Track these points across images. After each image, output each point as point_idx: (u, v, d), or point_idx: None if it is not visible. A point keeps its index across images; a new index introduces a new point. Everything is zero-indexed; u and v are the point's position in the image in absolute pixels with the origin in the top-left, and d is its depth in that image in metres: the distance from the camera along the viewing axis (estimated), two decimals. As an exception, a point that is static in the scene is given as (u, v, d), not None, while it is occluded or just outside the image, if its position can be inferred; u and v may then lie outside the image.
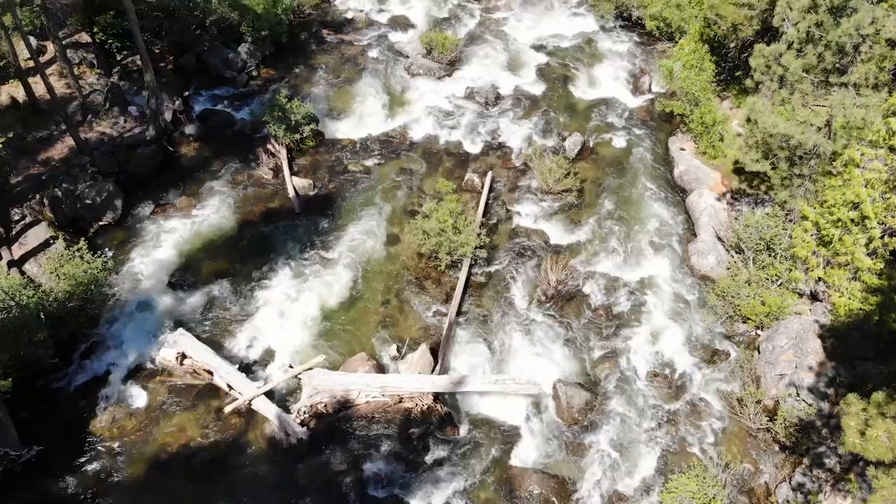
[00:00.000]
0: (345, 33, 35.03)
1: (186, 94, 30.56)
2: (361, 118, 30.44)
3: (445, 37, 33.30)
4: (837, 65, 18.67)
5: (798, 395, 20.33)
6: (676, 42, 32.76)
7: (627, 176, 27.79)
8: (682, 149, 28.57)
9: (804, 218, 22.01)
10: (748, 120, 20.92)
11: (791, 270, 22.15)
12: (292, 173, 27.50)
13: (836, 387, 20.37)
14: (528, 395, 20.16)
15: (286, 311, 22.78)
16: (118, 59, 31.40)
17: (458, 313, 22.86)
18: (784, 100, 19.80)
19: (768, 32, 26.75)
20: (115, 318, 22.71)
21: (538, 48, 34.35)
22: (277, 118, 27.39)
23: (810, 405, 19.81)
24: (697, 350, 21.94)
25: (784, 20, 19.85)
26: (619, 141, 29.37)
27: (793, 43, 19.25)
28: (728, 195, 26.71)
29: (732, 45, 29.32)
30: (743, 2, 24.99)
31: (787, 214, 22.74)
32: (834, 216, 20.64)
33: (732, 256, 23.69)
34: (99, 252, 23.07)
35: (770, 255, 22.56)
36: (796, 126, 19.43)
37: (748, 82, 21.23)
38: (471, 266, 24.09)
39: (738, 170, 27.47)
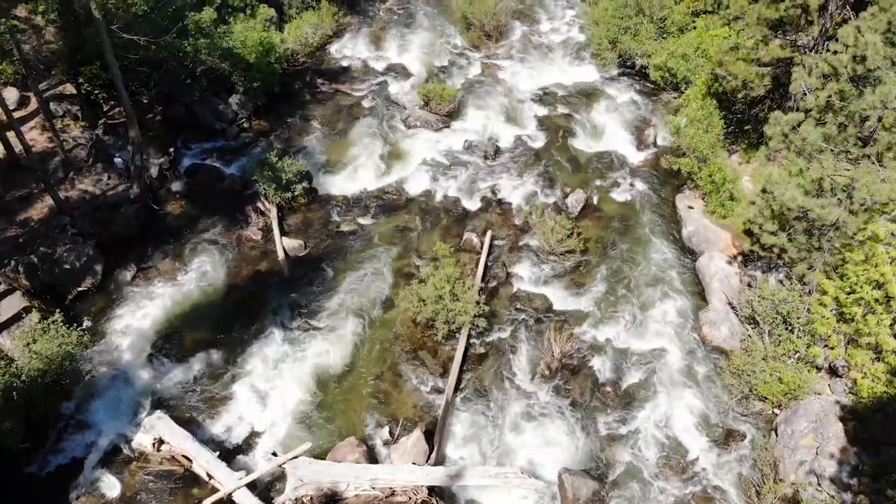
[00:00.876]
0: (340, 83, 34.06)
1: (172, 150, 29.36)
2: (356, 172, 29.31)
3: (444, 87, 32.32)
4: (860, 135, 17.52)
5: (819, 484, 18.92)
6: (682, 92, 31.83)
7: (633, 235, 26.57)
8: (691, 207, 27.39)
9: (823, 292, 20.79)
10: (763, 191, 19.74)
11: (810, 346, 20.84)
12: (282, 233, 26.27)
13: (859, 475, 18.99)
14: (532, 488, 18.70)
15: (272, 388, 21.37)
16: (105, 109, 30.38)
17: (456, 389, 21.46)
18: (802, 170, 18.61)
19: (780, 89, 25.78)
20: (90, 394, 21.28)
21: (539, 98, 33.37)
22: (268, 177, 26.24)
23: (832, 497, 18.40)
24: (711, 431, 20.50)
25: (802, 87, 18.75)
26: (624, 197, 28.22)
27: (811, 111, 18.13)
28: (739, 258, 25.47)
29: (741, 97, 28.27)
30: (754, 58, 23.96)
31: (803, 286, 21.44)
32: (857, 294, 19.42)
33: (747, 329, 22.35)
34: (75, 324, 21.70)
35: (787, 329, 21.25)
36: (816, 199, 18.23)
37: (763, 151, 20.07)
38: (469, 336, 22.75)
39: (750, 230, 26.32)
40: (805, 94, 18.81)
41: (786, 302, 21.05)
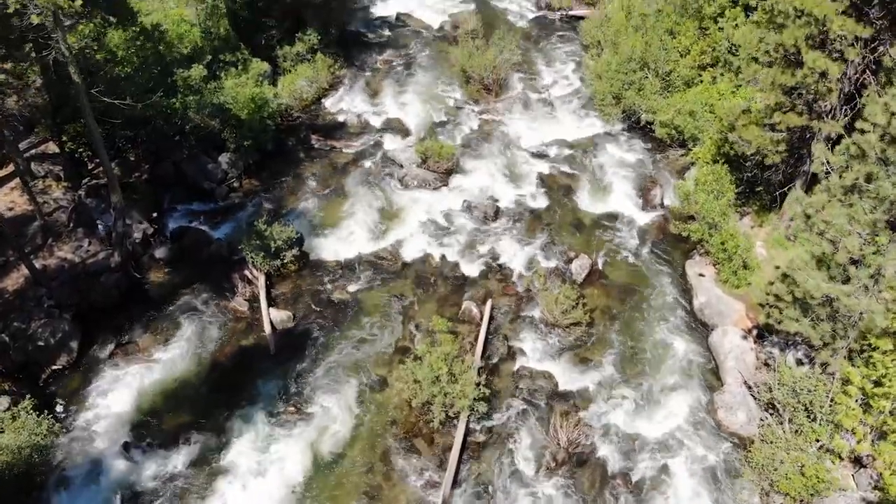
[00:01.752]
0: (336, 139, 32.95)
1: (157, 215, 28.10)
2: (350, 235, 28.01)
3: (442, 145, 31.18)
4: (890, 219, 16.22)
5: None
6: (689, 150, 30.68)
7: (642, 306, 25.17)
8: (701, 274, 26.02)
9: (847, 381, 19.35)
10: (784, 276, 18.39)
11: (833, 437, 19.33)
12: (270, 304, 24.87)
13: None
14: None
15: (256, 481, 19.78)
16: (89, 168, 29.21)
17: (454, 483, 19.86)
18: (826, 255, 17.28)
19: (796, 154, 24.60)
20: (61, 488, 19.73)
21: (540, 154, 32.21)
22: (255, 246, 24.93)
23: None
24: (731, 533, 18.90)
25: (825, 166, 17.51)
26: (631, 263, 26.89)
27: (836, 193, 16.85)
28: (754, 331, 24.03)
29: (753, 157, 27.08)
30: (768, 123, 22.81)
31: (826, 373, 19.96)
32: (885, 388, 17.98)
33: (766, 416, 20.81)
34: (46, 411, 20.22)
35: (808, 418, 19.73)
36: (842, 286, 16.86)
37: (782, 232, 18.77)
38: (468, 421, 21.21)
39: (768, 310, 24.93)
40: (828, 172, 17.54)
41: (807, 391, 19.57)
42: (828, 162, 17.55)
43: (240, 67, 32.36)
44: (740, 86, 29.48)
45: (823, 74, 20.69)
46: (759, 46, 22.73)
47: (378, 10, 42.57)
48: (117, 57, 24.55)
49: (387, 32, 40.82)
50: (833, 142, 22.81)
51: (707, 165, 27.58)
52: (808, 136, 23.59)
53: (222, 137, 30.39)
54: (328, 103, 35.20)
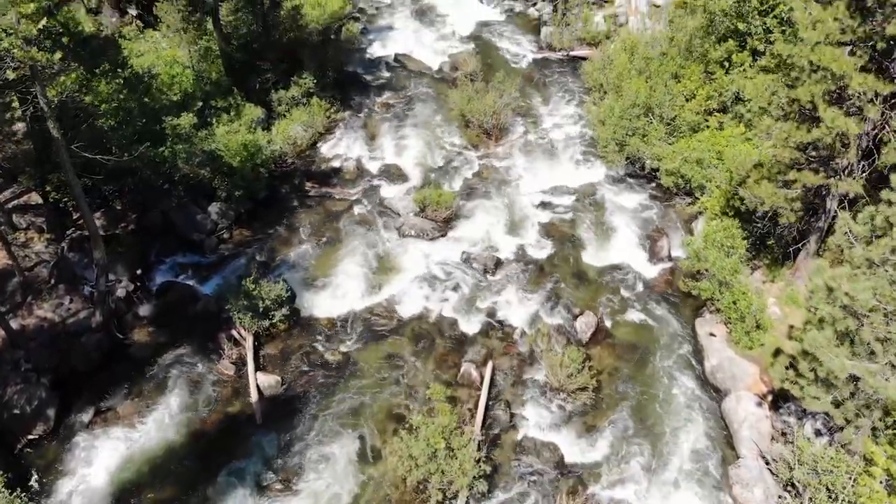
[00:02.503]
0: (331, 185, 31.92)
1: (141, 269, 26.96)
2: (343, 289, 26.82)
3: (440, 193, 30.15)
4: (919, 296, 15.04)
5: None
6: (696, 198, 29.61)
7: (650, 368, 23.89)
8: (712, 334, 24.76)
9: (871, 461, 18.03)
10: (805, 353, 17.15)
11: (860, 522, 17.97)
12: (258, 367, 23.62)
13: None
14: None
15: (238, 569, 18.42)
16: (74, 218, 28.15)
17: (452, 571, 18.49)
18: (850, 333, 16.06)
19: (809, 209, 23.48)
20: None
21: (542, 203, 31.12)
22: (243, 306, 23.75)
23: None
24: None
25: (848, 237, 16.37)
26: (638, 321, 25.65)
27: (860, 265, 15.70)
28: (769, 397, 22.74)
29: (764, 209, 25.98)
30: (782, 180, 21.72)
31: (849, 453, 18.63)
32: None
33: (784, 494, 19.43)
34: (19, 489, 18.86)
35: (830, 498, 18.35)
36: (868, 365, 15.63)
37: (796, 289, 17.55)
38: (468, 502, 19.82)
39: (786, 382, 23.69)
40: (852, 243, 16.40)
41: (828, 472, 18.23)
42: (851, 231, 16.40)
43: (232, 113, 31.46)
44: (749, 137, 28.52)
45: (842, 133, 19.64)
46: (771, 99, 21.73)
47: (376, 51, 41.82)
48: (100, 110, 23.52)
49: (385, 73, 40.03)
50: (849, 200, 21.75)
51: (716, 219, 26.47)
52: (823, 191, 22.49)
53: (213, 186, 29.39)
54: (324, 148, 34.22)
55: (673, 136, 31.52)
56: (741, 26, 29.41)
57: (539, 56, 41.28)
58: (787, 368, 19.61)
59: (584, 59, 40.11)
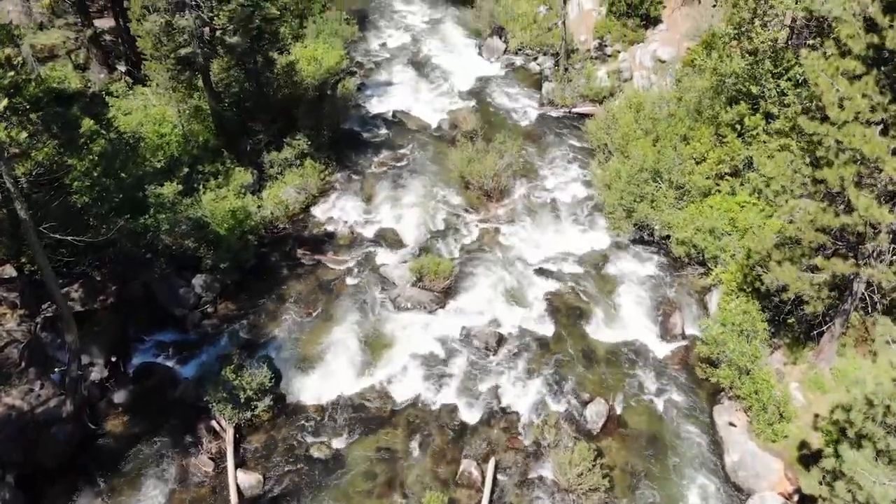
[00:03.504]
0: (323, 252, 30.28)
1: (119, 350, 25.18)
2: (334, 371, 25.01)
3: (438, 262, 28.53)
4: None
5: None
6: (709, 268, 27.95)
7: (667, 464, 21.95)
8: (732, 424, 22.84)
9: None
10: (838, 473, 15.29)
11: None
12: (239, 463, 21.65)
13: None
14: None
15: None
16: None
17: None
18: (892, 452, 14.25)
19: (839, 294, 21.78)
20: None
21: (545, 272, 29.45)
22: (223, 397, 21.91)
23: None
24: None
25: (888, 341, 14.66)
26: (652, 408, 23.79)
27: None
28: (796, 496, 20.79)
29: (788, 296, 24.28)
30: (808, 264, 20.07)
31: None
32: None
33: None
34: None
35: None
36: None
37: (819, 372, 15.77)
38: None
39: (804, 457, 21.80)
40: (890, 343, 14.68)
41: None
42: (893, 340, 14.69)
43: (221, 177, 29.99)
44: (764, 208, 27.01)
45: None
46: (794, 177, 20.22)
47: (374, 107, 40.56)
48: (73, 187, 22.01)
49: (383, 131, 38.72)
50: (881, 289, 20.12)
51: (733, 295, 24.77)
52: (850, 274, 20.81)
53: (198, 255, 27.76)
54: (318, 211, 32.67)
55: (682, 199, 30.03)
56: (754, 89, 28.11)
57: (541, 112, 40.03)
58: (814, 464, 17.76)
59: (587, 116, 38.91)
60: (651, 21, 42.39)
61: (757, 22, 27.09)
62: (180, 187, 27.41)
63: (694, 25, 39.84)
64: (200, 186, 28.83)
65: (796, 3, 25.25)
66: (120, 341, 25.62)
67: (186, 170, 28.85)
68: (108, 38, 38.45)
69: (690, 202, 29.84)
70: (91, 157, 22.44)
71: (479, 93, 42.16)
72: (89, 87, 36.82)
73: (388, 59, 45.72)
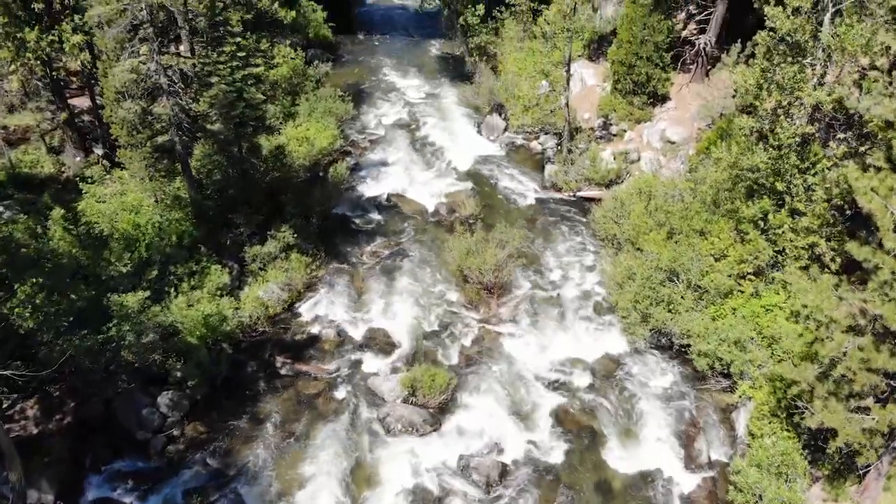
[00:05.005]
0: (306, 360, 27.41)
1: (75, 478, 22.16)
2: (312, 510, 21.91)
3: (433, 374, 25.66)
4: None
5: None
6: (735, 383, 25.09)
7: None
8: (774, 582, 19.67)
9: None
10: None
11: None
12: None
13: None
14: None
15: None
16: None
17: None
18: None
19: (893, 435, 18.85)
20: None
21: (553, 381, 26.58)
22: (179, 559, 18.81)
23: None
24: None
25: None
26: (679, 558, 20.60)
27: None
28: None
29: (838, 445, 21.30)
30: (859, 405, 17.23)
31: None
32: None
33: None
34: None
35: None
36: None
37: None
38: None
39: None
40: None
41: None
42: None
43: (196, 278, 27.37)
44: (789, 315, 24.35)
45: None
46: (840, 306, 17.55)
47: (367, 190, 38.31)
48: (13, 314, 19.39)
49: (376, 216, 36.34)
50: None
51: (766, 424, 21.85)
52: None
53: (165, 368, 24.92)
54: (302, 309, 29.92)
55: (701, 299, 27.37)
56: (779, 186, 25.71)
57: (543, 196, 37.81)
58: None
59: (593, 200, 36.64)
60: (658, 98, 40.51)
61: (781, 113, 24.84)
62: (147, 293, 24.77)
63: (704, 104, 37.98)
64: (171, 290, 26.19)
65: (828, 96, 23.06)
66: (73, 473, 22.54)
67: (155, 273, 26.21)
68: (85, 118, 36.45)
69: (710, 304, 27.20)
70: (35, 280, 19.78)
71: (479, 173, 40.04)
72: (63, 172, 34.72)
73: (384, 136, 43.78)
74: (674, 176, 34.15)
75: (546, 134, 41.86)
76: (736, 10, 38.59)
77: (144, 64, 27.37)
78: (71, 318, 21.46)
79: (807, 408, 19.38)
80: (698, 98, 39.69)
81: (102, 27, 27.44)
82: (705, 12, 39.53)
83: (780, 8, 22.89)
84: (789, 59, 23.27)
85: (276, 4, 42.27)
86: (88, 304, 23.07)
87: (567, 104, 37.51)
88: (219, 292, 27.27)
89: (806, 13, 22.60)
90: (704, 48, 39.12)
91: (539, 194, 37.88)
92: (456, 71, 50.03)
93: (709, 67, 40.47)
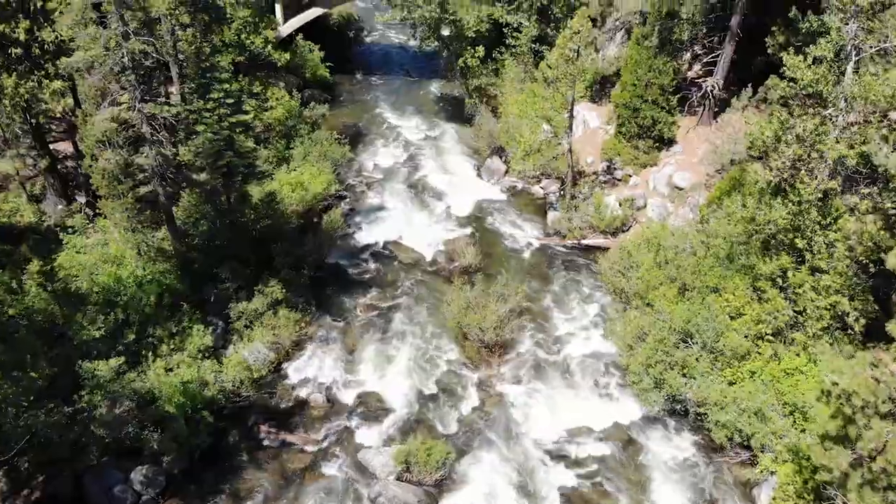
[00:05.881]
0: (292, 429, 25.47)
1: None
2: None
3: (429, 447, 23.71)
4: None
5: None
6: (756, 456, 23.18)
7: None
8: None
9: None
10: None
11: None
12: None
13: None
14: None
15: None
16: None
17: None
18: None
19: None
20: None
21: (561, 456, 24.63)
22: None
23: None
24: None
25: None
26: None
27: None
28: None
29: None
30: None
31: None
32: None
33: None
34: None
35: None
36: None
37: None
38: None
39: None
40: None
41: None
42: None
43: (176, 339, 25.63)
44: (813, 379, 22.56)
45: None
46: (879, 391, 15.75)
47: (363, 237, 36.66)
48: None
49: (371, 266, 34.67)
50: None
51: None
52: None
53: (140, 440, 23.03)
54: (290, 370, 28.06)
55: (717, 361, 25.57)
56: (799, 243, 24.06)
57: (546, 244, 36.13)
58: None
59: (598, 249, 35.03)
60: (665, 142, 39.10)
61: (800, 167, 23.31)
62: (122, 360, 23.02)
63: (712, 149, 36.57)
64: (149, 353, 24.43)
65: (851, 150, 21.54)
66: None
67: (132, 337, 24.48)
68: (69, 163, 35.01)
69: (726, 365, 25.40)
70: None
71: (478, 219, 38.46)
72: (44, 221, 33.13)
73: (381, 180, 42.26)
74: (683, 225, 32.54)
75: (548, 178, 40.38)
76: (743, 51, 37.41)
77: (126, 112, 26.01)
78: (31, 398, 19.64)
79: (838, 495, 17.44)
80: (706, 142, 38.27)
81: (83, 74, 26.11)
82: (712, 54, 38.33)
83: (801, 57, 21.48)
84: (810, 110, 21.79)
85: (269, 47, 41.10)
86: (57, 372, 21.27)
87: (570, 150, 36.07)
88: (200, 355, 25.48)
89: (828, 62, 21.18)
90: (712, 91, 37.82)
91: (542, 242, 36.23)
92: (455, 112, 48.72)
93: (716, 110, 39.16)
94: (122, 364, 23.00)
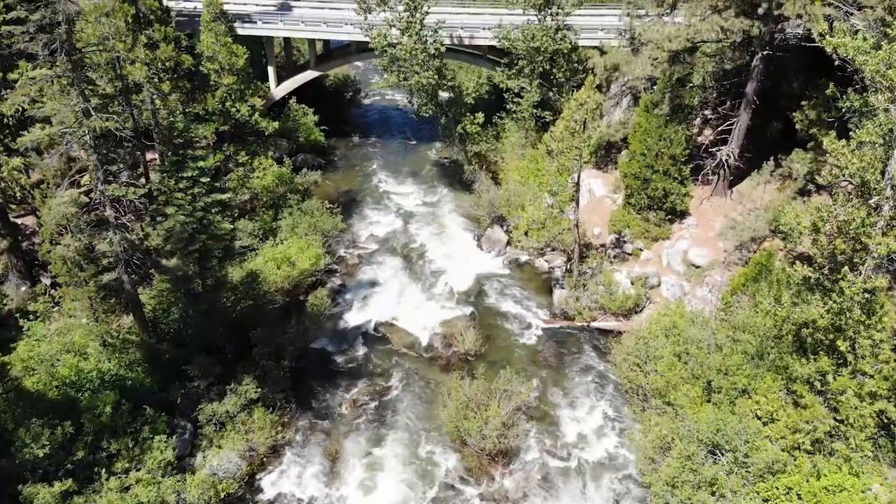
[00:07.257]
0: (263, 560, 22.26)
1: None
2: None
3: (421, 586, 20.43)
4: None
5: None
6: None
7: None
8: None
9: None
10: None
11: None
12: None
13: None
14: None
15: None
16: None
17: None
18: None
19: None
20: None
21: (572, 592, 21.32)
22: None
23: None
24: None
25: None
26: None
27: None
28: None
29: None
30: None
31: None
32: None
33: None
34: None
35: None
36: None
37: None
38: None
39: None
40: None
41: None
42: None
43: (134, 450, 22.52)
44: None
45: None
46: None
47: (352, 317, 33.81)
48: None
49: (360, 352, 31.71)
50: None
51: None
52: None
53: (85, 579, 19.80)
54: (265, 483, 24.85)
55: (749, 473, 22.35)
56: (841, 345, 21.13)
57: (553, 326, 33.21)
58: None
59: (610, 332, 32.12)
60: (677, 214, 36.58)
61: (843, 261, 20.52)
62: (69, 483, 19.92)
63: (730, 224, 34.02)
64: (102, 471, 21.30)
65: (896, 241, 18.81)
66: None
67: (82, 453, 21.40)
68: (35, 240, 32.40)
69: (759, 479, 22.19)
70: None
71: (478, 296, 35.66)
72: (5, 304, 30.41)
73: (375, 251, 39.68)
74: (703, 308, 29.67)
75: (553, 251, 37.70)
76: (759, 116, 35.17)
77: (87, 195, 23.51)
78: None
79: None
80: (722, 214, 35.80)
81: (41, 153, 23.74)
82: (726, 122, 36.06)
83: (844, 141, 18.95)
84: (854, 200, 19.16)
85: (256, 115, 38.97)
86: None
87: (577, 225, 33.46)
88: (161, 472, 22.33)
89: (873, 146, 18.64)
90: (727, 160, 35.44)
91: (547, 323, 33.29)
92: (454, 178, 46.39)
93: (731, 179, 36.74)
94: (68, 487, 19.85)
